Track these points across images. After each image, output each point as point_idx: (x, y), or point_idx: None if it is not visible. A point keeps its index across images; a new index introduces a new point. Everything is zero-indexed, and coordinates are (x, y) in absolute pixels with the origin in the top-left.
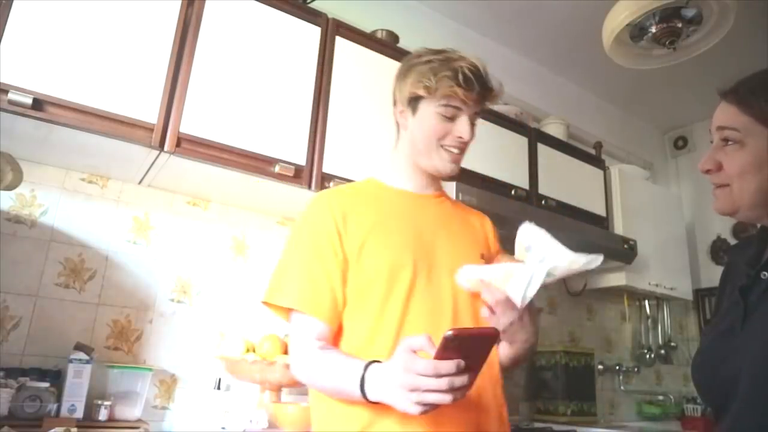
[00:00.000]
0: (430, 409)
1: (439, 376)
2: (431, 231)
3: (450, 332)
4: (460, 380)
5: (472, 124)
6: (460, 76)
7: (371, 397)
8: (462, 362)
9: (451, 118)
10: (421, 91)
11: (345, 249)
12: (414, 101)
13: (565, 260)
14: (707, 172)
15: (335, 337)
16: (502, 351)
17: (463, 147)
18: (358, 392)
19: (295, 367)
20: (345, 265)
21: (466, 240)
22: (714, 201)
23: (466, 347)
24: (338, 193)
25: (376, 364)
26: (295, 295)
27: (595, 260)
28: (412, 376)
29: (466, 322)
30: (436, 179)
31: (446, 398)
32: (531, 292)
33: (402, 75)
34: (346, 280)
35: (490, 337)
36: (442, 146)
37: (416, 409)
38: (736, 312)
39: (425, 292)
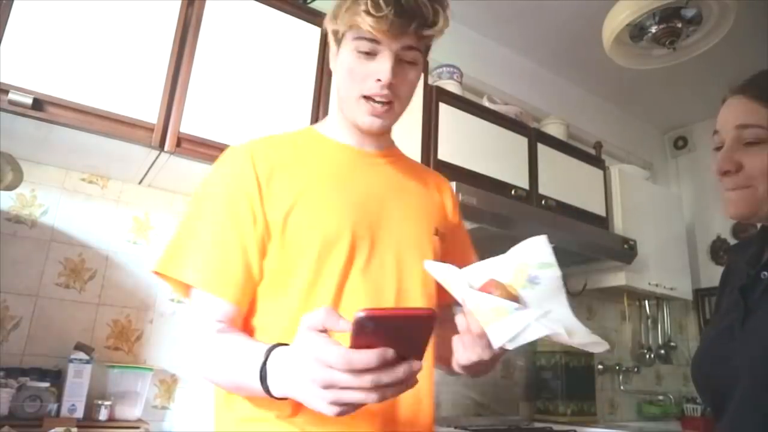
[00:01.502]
0: (353, 410)
1: (355, 370)
2: (377, 198)
3: (361, 313)
4: (390, 375)
5: (405, 62)
6: (369, 2)
7: (276, 392)
8: (390, 351)
9: (371, 55)
10: (333, 26)
11: (267, 215)
12: (335, 39)
13: (571, 333)
14: (725, 173)
15: (246, 318)
16: (455, 356)
17: (386, 96)
18: (258, 386)
19: (192, 355)
20: (266, 234)
21: (419, 211)
22: (728, 205)
23: (393, 332)
24: (264, 145)
25: (279, 348)
26: (199, 270)
27: (601, 346)
28: (324, 369)
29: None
30: (382, 133)
31: (371, 397)
32: (516, 344)
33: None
34: (265, 253)
35: (423, 318)
36: (363, 96)
37: (332, 411)
38: (737, 312)
39: (364, 274)
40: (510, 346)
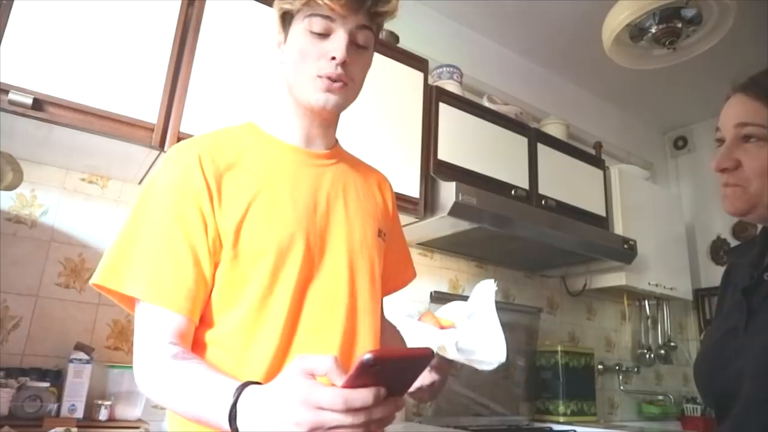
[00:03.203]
0: None
1: (352, 410)
2: (325, 202)
3: (369, 356)
4: (380, 412)
5: (356, 44)
6: None
7: None
8: (383, 390)
9: (324, 35)
10: (286, 4)
11: (218, 221)
12: (285, 22)
13: (471, 352)
14: (723, 170)
15: (196, 331)
16: None
17: (339, 76)
18: (225, 425)
19: (140, 378)
20: (216, 241)
21: (365, 214)
22: (724, 201)
23: (389, 372)
24: (210, 143)
25: (253, 387)
26: (146, 281)
27: (488, 365)
28: (314, 411)
29: (366, 324)
30: (328, 128)
31: None
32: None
33: None
34: (217, 262)
35: (423, 358)
36: (317, 76)
37: None
38: (739, 313)
39: (318, 281)
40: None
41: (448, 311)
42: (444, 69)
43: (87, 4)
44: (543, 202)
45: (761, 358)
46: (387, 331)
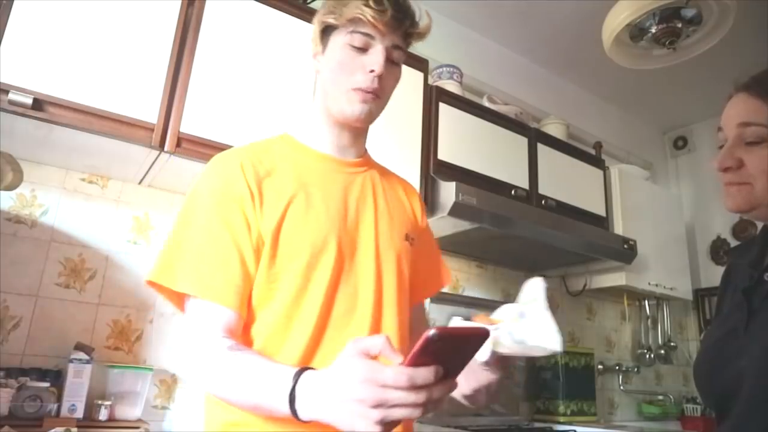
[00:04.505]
0: (392, 428)
1: (415, 387)
2: (355, 207)
3: (434, 332)
4: (438, 391)
5: (391, 61)
6: None
7: (304, 415)
8: (441, 369)
9: (363, 49)
10: (330, 18)
11: (259, 223)
12: (324, 35)
13: (534, 342)
14: (726, 169)
15: (245, 327)
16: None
17: (377, 90)
18: (285, 408)
19: (196, 372)
20: (259, 241)
21: (392, 219)
22: (726, 198)
23: (447, 351)
24: (250, 152)
25: (310, 371)
26: (195, 277)
27: (548, 349)
28: (378, 388)
29: (390, 322)
30: (358, 138)
31: (417, 412)
32: (486, 355)
33: (317, 13)
34: (259, 260)
35: (480, 337)
36: (354, 88)
37: (376, 430)
38: (740, 314)
39: (347, 280)
40: (484, 358)
41: (500, 313)
42: (444, 69)
43: (87, 4)
44: (543, 202)
45: (762, 359)
46: (417, 332)
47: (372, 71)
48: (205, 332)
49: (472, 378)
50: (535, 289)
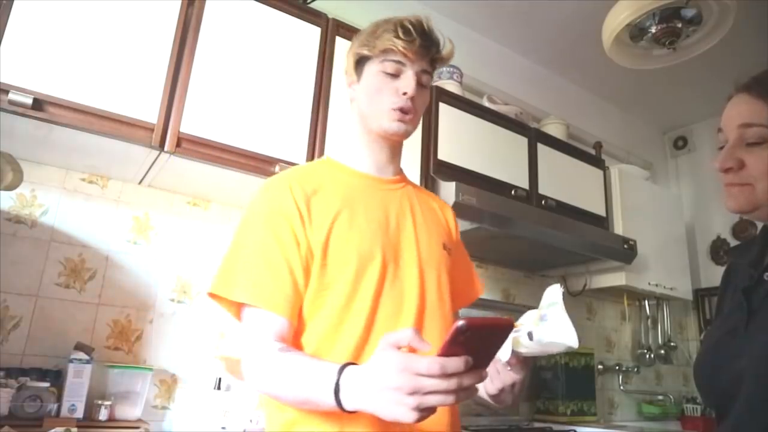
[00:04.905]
0: (429, 415)
1: (447, 375)
2: (396, 219)
3: (462, 323)
4: (468, 379)
5: (420, 84)
6: (400, 29)
7: (348, 405)
8: (470, 359)
9: (396, 75)
10: (364, 50)
11: (309, 238)
12: (359, 65)
13: (552, 338)
14: (727, 170)
15: (295, 335)
16: (482, 391)
17: (409, 108)
18: (330, 400)
19: (250, 373)
20: (308, 255)
21: (430, 229)
22: (727, 198)
23: (476, 341)
24: (298, 175)
25: (352, 367)
26: (249, 288)
27: (566, 345)
28: (413, 377)
29: (433, 323)
30: (395, 157)
31: (450, 399)
32: (507, 354)
33: (350, 45)
34: (309, 273)
35: (505, 328)
36: (391, 108)
37: (413, 416)
38: (740, 313)
39: (393, 286)
40: (505, 358)
41: (524, 318)
42: (444, 69)
43: (87, 4)
44: (543, 202)
45: (762, 358)
46: None
47: (405, 93)
48: (258, 337)
49: (497, 379)
50: (553, 294)
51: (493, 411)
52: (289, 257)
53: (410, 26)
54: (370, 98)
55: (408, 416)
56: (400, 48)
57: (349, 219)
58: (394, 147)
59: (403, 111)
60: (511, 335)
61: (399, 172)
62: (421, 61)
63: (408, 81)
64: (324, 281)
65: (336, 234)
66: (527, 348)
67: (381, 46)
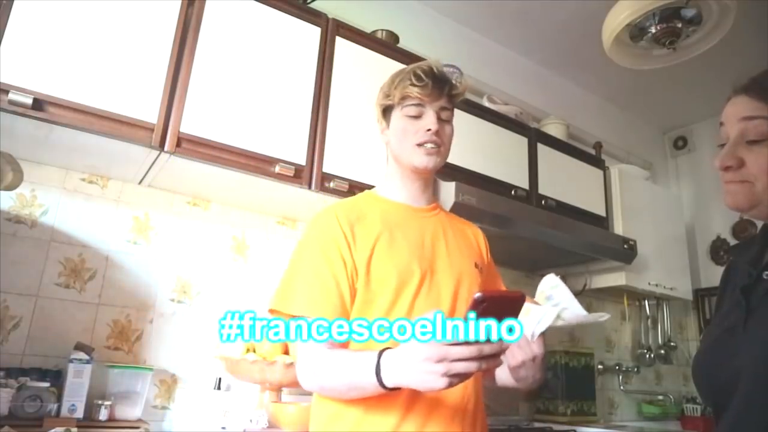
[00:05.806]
0: (458, 381)
1: (469, 343)
2: (431, 241)
3: (479, 294)
4: (490, 347)
5: (441, 119)
6: (413, 77)
7: (388, 382)
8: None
9: (418, 116)
10: (387, 101)
11: (354, 258)
12: (386, 114)
13: (576, 311)
14: (727, 168)
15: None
16: (505, 373)
17: (436, 141)
18: (373, 380)
19: (304, 374)
20: (354, 273)
21: (462, 250)
22: (726, 195)
23: (492, 312)
24: (343, 206)
25: (390, 350)
26: (303, 303)
27: (602, 317)
28: (437, 346)
29: None
30: (427, 188)
31: (473, 365)
32: (540, 329)
33: (376, 98)
34: (354, 289)
35: (517, 300)
36: (417, 144)
37: (443, 382)
38: (738, 312)
39: (427, 300)
40: (536, 335)
41: (540, 294)
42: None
43: (87, 4)
44: (543, 202)
45: (760, 357)
46: None
47: (429, 130)
48: (311, 344)
49: (518, 352)
50: (552, 279)
51: (494, 411)
52: (336, 275)
53: (422, 73)
54: (399, 139)
55: (438, 383)
56: (416, 93)
57: (389, 240)
58: (426, 180)
59: (428, 145)
60: (535, 312)
61: (432, 201)
62: (438, 100)
63: (429, 119)
64: (368, 296)
65: (378, 253)
66: (563, 320)
67: (400, 95)
